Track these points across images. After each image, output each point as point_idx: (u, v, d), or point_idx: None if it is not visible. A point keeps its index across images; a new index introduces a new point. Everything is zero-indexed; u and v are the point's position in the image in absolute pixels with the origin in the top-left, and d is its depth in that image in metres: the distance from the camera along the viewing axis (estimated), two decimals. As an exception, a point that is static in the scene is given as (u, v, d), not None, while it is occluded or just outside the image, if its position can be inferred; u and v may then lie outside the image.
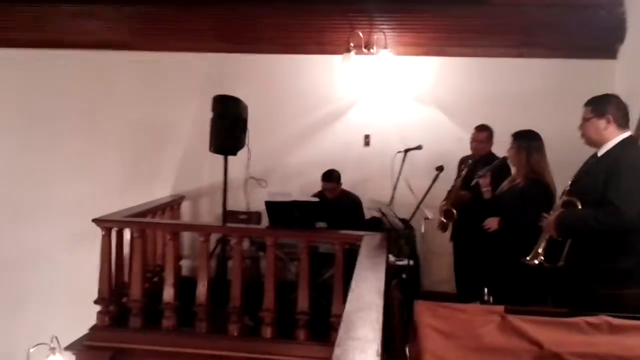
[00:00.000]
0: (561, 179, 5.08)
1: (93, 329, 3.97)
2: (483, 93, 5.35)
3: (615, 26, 4.96)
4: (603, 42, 5.12)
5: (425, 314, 1.81)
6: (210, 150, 4.45)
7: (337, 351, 1.57)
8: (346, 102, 5.58)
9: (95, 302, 3.98)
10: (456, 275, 4.52)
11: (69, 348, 3.94)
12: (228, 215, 5.65)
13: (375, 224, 4.39)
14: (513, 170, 3.67)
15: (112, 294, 4.00)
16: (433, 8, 5.12)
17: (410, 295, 4.12)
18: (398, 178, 4.31)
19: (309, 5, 5.21)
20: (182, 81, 5.66)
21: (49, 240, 5.62)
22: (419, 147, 4.40)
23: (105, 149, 5.78)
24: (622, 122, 2.69)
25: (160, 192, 5.71)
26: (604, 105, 2.69)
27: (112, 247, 3.99)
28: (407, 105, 5.53)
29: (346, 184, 5.11)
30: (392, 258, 4.78)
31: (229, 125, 4.30)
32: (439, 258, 5.18)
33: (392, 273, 3.94)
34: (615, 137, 2.67)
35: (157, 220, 4.14)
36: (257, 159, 5.44)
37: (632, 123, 3.03)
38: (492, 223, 3.51)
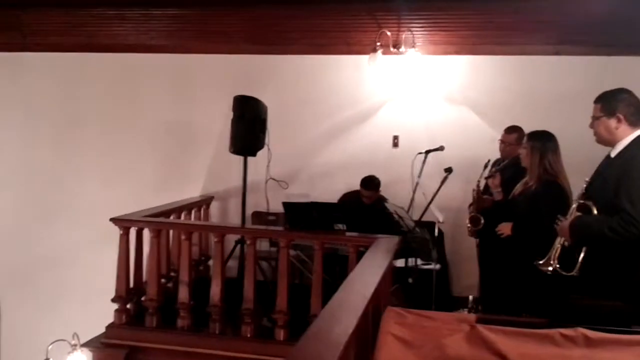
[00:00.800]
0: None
1: (110, 326, 4.04)
2: (517, 92, 5.15)
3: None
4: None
5: (390, 322, 1.71)
6: (230, 151, 4.47)
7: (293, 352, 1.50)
8: (375, 102, 5.48)
9: (113, 300, 4.04)
10: (480, 280, 4.34)
11: (86, 345, 4.02)
12: (256, 216, 5.71)
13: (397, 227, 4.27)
14: None
15: (129, 293, 4.06)
16: (464, 5, 4.95)
17: (430, 299, 4.01)
18: (418, 181, 4.16)
19: (336, 5, 5.15)
20: (211, 82, 5.71)
21: (79, 240, 5.79)
22: (441, 148, 4.25)
23: (137, 151, 5.91)
24: (635, 119, 2.51)
25: (191, 192, 5.79)
26: (614, 103, 2.53)
27: (129, 246, 4.05)
28: (437, 106, 5.37)
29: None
30: (419, 262, 4.70)
31: (247, 125, 4.29)
32: (468, 263, 4.99)
33: (396, 277, 3.84)
34: (627, 136, 2.51)
35: (172, 220, 4.18)
36: (284, 160, 5.44)
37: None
38: (504, 228, 3.35)
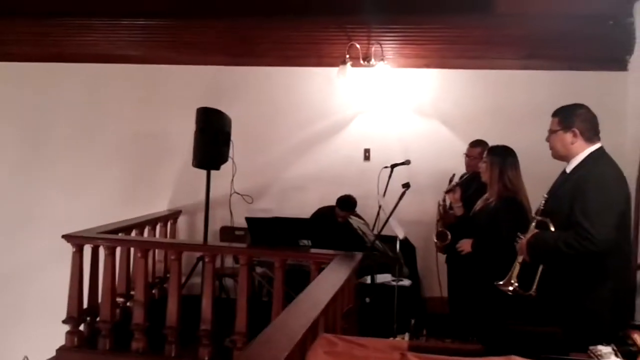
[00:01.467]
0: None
1: (60, 349, 3.86)
2: (486, 106, 5.12)
3: (624, 37, 4.67)
4: (612, 54, 4.84)
5: (319, 351, 1.58)
6: (193, 164, 4.33)
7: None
8: (346, 115, 5.40)
9: (64, 321, 3.86)
10: (449, 297, 4.23)
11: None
12: (225, 231, 5.57)
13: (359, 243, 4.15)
14: None
15: (82, 314, 3.88)
16: (433, 19, 4.91)
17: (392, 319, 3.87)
18: (379, 196, 4.07)
19: (306, 18, 5.08)
20: (180, 94, 5.58)
21: (38, 255, 5.59)
22: (406, 162, 4.16)
23: (104, 162, 5.75)
24: (590, 135, 2.46)
25: (159, 206, 5.64)
26: (571, 118, 2.47)
27: (82, 265, 3.88)
28: (409, 119, 5.31)
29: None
30: (389, 278, 4.58)
31: (210, 138, 4.16)
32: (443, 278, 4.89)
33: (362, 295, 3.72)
34: (582, 152, 2.44)
35: (125, 237, 4.02)
36: (255, 173, 5.38)
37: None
38: (464, 245, 3.28)
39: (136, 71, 5.66)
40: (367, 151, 5.34)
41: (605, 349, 1.55)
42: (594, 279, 2.25)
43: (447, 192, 3.51)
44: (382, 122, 5.32)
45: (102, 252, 3.93)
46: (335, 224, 4.68)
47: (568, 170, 2.48)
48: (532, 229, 2.42)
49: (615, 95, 4.80)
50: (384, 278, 4.43)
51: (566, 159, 2.50)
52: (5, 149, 5.91)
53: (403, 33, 5.10)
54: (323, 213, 5.08)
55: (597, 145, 2.45)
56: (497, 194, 3.18)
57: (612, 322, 2.19)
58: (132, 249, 4.12)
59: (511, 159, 3.24)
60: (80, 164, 5.79)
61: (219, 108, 4.56)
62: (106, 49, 5.60)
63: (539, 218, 2.42)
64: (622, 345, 1.78)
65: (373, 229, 4.10)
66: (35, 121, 5.86)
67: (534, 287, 2.32)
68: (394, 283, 4.40)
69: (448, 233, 3.83)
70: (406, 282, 4.65)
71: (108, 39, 5.56)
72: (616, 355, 1.66)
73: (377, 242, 3.74)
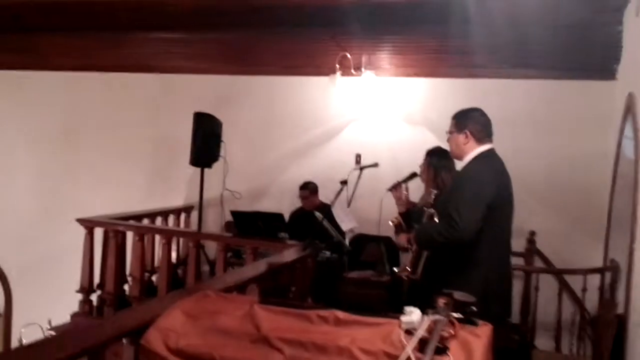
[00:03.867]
0: (552, 201, 5.02)
1: (74, 315, 4.52)
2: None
3: (613, 46, 4.79)
4: (601, 62, 4.93)
5: (191, 300, 2.06)
6: (190, 163, 4.90)
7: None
8: (339, 122, 5.86)
9: (77, 291, 4.52)
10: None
11: (53, 330, 4.51)
12: (229, 226, 6.13)
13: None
14: None
15: (93, 287, 4.53)
16: (420, 29, 5.19)
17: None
18: (352, 195, 4.48)
19: (303, 30, 5.52)
20: (192, 100, 6.18)
21: (71, 239, 6.34)
22: (375, 165, 4.52)
23: (126, 162, 6.52)
24: (481, 136, 2.72)
25: (176, 202, 6.30)
26: (464, 120, 2.75)
27: (93, 245, 4.54)
28: (398, 126, 5.68)
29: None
30: (370, 273, 4.97)
31: (203, 139, 4.71)
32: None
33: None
34: (473, 151, 2.72)
35: (127, 223, 4.63)
36: (254, 176, 5.92)
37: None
38: (401, 239, 3.57)
39: (153, 79, 6.38)
40: (358, 156, 5.74)
41: (411, 309, 1.90)
42: (465, 265, 2.57)
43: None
44: (374, 130, 5.74)
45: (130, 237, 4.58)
46: (309, 220, 5.08)
47: (459, 168, 2.79)
48: (423, 221, 2.78)
49: (603, 103, 4.96)
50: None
51: (460, 157, 2.79)
52: (42, 146, 6.78)
53: (391, 43, 5.43)
54: (302, 211, 5.54)
55: (487, 146, 2.72)
56: (429, 194, 3.47)
57: (483, 305, 2.49)
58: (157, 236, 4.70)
59: (446, 162, 3.42)
60: (104, 163, 6.61)
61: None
62: (127, 60, 6.30)
63: (430, 211, 2.77)
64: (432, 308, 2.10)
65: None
66: (66, 123, 6.74)
67: (418, 271, 2.69)
68: (373, 279, 4.79)
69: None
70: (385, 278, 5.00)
71: (135, 51, 6.24)
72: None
73: (340, 237, 4.15)
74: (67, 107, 6.75)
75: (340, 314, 1.90)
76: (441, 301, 1.92)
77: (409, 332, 1.71)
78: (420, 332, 1.65)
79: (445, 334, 1.65)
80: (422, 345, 1.61)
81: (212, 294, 2.16)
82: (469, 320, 1.74)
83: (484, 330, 1.73)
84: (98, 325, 2.25)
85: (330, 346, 1.75)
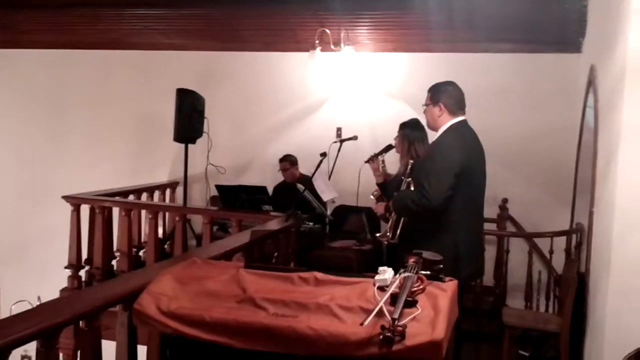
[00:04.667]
0: (523, 170, 5.22)
1: (63, 290, 4.64)
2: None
3: (578, 20, 4.94)
4: (567, 36, 5.09)
5: (179, 267, 2.20)
6: (174, 139, 4.99)
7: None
8: (320, 97, 5.98)
9: (66, 267, 4.64)
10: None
11: (42, 305, 4.63)
12: (214, 200, 6.25)
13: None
14: None
15: (81, 262, 4.64)
16: (398, 4, 5.31)
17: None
18: (333, 167, 4.61)
19: (283, 5, 5.58)
20: (175, 77, 6.21)
21: (57, 218, 6.43)
22: (354, 138, 4.64)
23: (111, 138, 6.57)
24: (455, 109, 2.85)
25: (161, 177, 6.41)
26: (438, 94, 2.88)
27: (80, 221, 4.63)
28: (378, 101, 5.80)
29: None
30: (352, 242, 5.13)
31: (186, 116, 4.79)
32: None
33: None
34: (446, 123, 2.85)
35: (113, 199, 4.73)
36: (238, 150, 6.02)
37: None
38: (378, 208, 3.71)
39: (137, 57, 6.39)
40: (339, 129, 5.87)
41: (384, 268, 2.06)
42: (438, 230, 2.73)
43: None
44: (354, 104, 5.87)
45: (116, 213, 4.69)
46: (292, 192, 5.23)
47: (434, 139, 2.94)
48: (401, 189, 2.94)
49: (570, 76, 5.15)
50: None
51: (435, 129, 2.93)
52: (28, 125, 6.79)
53: (370, 19, 5.52)
54: (285, 183, 5.68)
55: (460, 118, 2.86)
56: (405, 165, 3.59)
57: (454, 268, 2.63)
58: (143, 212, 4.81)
59: (418, 133, 3.54)
60: (91, 140, 6.64)
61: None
62: (110, 36, 6.29)
63: (407, 180, 2.92)
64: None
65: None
66: (51, 101, 6.74)
67: (396, 236, 2.85)
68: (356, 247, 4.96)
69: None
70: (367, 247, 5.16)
71: (113, 27, 6.24)
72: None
73: (322, 208, 4.30)
74: (49, 86, 6.75)
75: (320, 275, 2.06)
76: (411, 260, 2.09)
77: (382, 289, 1.87)
78: (392, 288, 1.80)
79: (415, 289, 1.81)
80: (394, 299, 1.77)
81: (200, 261, 2.30)
82: (436, 277, 1.89)
83: (450, 285, 1.89)
84: (91, 292, 2.37)
85: (311, 304, 1.90)
